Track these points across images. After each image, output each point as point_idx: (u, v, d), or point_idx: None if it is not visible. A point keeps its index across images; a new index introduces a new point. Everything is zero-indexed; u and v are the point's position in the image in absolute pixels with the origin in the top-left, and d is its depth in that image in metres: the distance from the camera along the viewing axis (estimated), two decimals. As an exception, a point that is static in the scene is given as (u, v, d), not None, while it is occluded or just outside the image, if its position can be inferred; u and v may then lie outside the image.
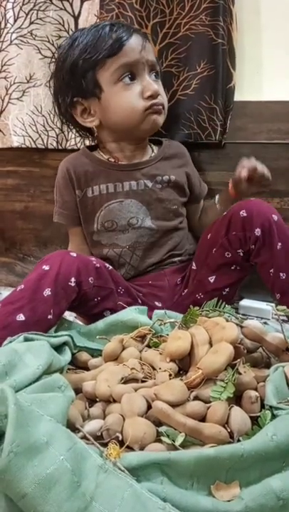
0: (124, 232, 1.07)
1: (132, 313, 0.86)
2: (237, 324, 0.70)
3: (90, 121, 1.06)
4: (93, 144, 1.18)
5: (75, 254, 0.89)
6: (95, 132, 1.11)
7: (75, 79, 1.01)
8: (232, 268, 0.98)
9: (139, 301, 1.03)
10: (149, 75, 1.03)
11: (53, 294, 0.81)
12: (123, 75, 0.99)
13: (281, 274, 0.93)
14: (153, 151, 1.13)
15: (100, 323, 0.85)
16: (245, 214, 0.93)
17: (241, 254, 0.95)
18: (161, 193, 1.08)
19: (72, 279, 0.84)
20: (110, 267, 1.00)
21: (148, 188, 1.07)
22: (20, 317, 0.79)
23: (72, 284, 0.85)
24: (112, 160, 1.09)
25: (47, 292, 0.81)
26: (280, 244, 0.92)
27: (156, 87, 1.01)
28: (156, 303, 1.04)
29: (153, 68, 1.04)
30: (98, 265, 0.93)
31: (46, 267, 0.84)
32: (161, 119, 1.05)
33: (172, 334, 0.72)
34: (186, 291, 1.06)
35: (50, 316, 0.81)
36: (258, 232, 0.91)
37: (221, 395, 0.58)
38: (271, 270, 0.93)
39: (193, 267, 1.06)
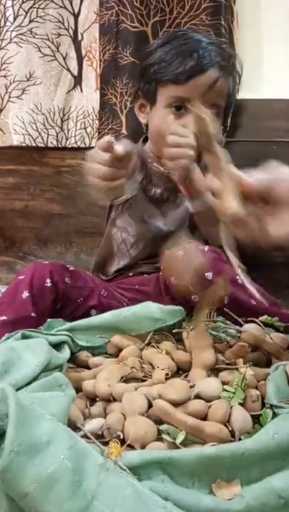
0: (136, 222, 1.11)
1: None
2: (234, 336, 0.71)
3: (142, 118, 1.12)
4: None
5: (46, 262, 0.94)
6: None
7: (142, 79, 1.07)
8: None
9: (124, 305, 1.03)
10: None
11: (30, 295, 0.85)
12: (175, 103, 1.01)
13: (241, 319, 0.88)
14: None
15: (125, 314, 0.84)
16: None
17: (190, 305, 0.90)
18: (181, 208, 1.10)
19: (48, 280, 0.88)
20: (89, 273, 1.03)
21: (169, 200, 1.10)
22: (2, 317, 0.82)
23: (48, 285, 0.88)
24: (150, 160, 1.12)
25: (25, 294, 0.85)
26: (226, 297, 0.86)
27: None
28: None
29: (211, 108, 1.01)
30: (72, 268, 0.96)
31: (21, 277, 0.89)
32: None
33: (195, 343, 0.71)
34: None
35: (33, 314, 0.84)
36: (195, 298, 0.86)
37: (231, 401, 0.59)
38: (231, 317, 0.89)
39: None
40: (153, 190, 1.11)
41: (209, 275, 0.85)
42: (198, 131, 0.64)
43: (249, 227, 0.63)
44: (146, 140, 1.16)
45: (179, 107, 1.02)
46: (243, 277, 0.68)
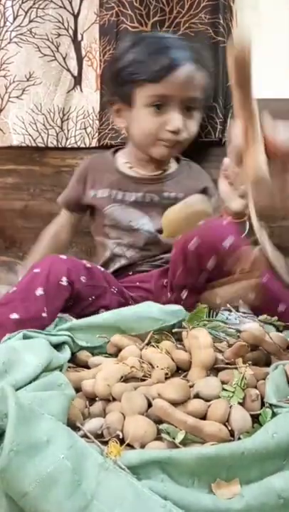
0: (128, 231, 1.12)
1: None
2: (233, 336, 0.71)
3: (119, 122, 1.14)
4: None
5: (64, 257, 0.91)
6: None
7: (117, 83, 1.07)
8: (201, 285, 0.95)
9: (131, 302, 1.03)
10: (182, 109, 1.04)
11: (45, 293, 0.83)
12: (155, 102, 1.03)
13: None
14: (170, 167, 1.16)
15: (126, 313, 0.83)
16: (193, 248, 0.89)
17: (204, 277, 0.92)
18: (165, 208, 1.10)
19: (64, 279, 0.86)
20: (102, 269, 1.02)
21: (154, 202, 1.12)
22: (14, 316, 0.80)
23: (64, 284, 0.86)
24: (129, 165, 1.14)
25: (39, 292, 0.83)
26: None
27: (178, 124, 1.03)
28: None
29: (189, 104, 1.05)
30: (89, 265, 0.95)
31: (37, 270, 0.86)
32: (172, 152, 1.10)
33: (194, 342, 0.71)
34: (170, 295, 1.04)
35: (44, 314, 0.82)
36: (210, 265, 0.88)
37: (230, 400, 0.59)
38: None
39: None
40: (133, 196, 1.12)
41: (227, 243, 0.86)
42: (235, 66, 0.51)
43: (272, 190, 0.55)
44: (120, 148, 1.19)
45: (159, 105, 1.03)
46: (264, 244, 0.61)
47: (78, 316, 0.94)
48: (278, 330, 0.79)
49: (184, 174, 1.17)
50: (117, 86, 1.08)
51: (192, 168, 1.18)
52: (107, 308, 0.94)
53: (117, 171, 1.15)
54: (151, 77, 1.00)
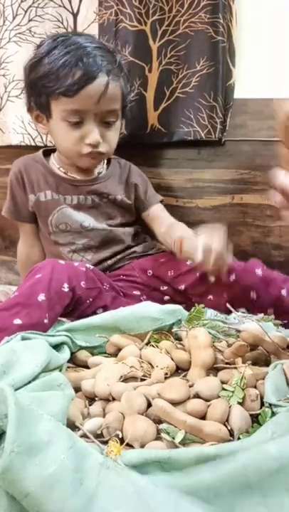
0: (80, 233, 1.11)
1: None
2: (233, 336, 0.72)
3: (41, 128, 1.11)
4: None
5: (63, 262, 0.91)
6: None
7: (33, 91, 1.04)
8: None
9: (121, 294, 1.05)
10: (99, 122, 1.02)
11: (47, 299, 0.83)
12: (71, 117, 1.00)
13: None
14: (102, 168, 1.16)
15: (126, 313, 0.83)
16: (254, 297, 0.93)
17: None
18: (108, 208, 1.13)
19: (65, 285, 0.86)
20: (92, 267, 1.01)
21: (96, 203, 1.12)
22: (17, 321, 0.80)
23: (66, 290, 0.86)
24: (63, 170, 1.13)
25: (41, 297, 0.83)
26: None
27: (97, 138, 1.02)
28: (134, 292, 1.07)
29: (106, 117, 1.03)
30: (84, 268, 0.95)
31: (38, 275, 0.86)
32: (96, 163, 1.09)
33: (193, 342, 0.71)
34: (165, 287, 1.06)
35: (45, 321, 0.82)
36: (270, 312, 0.91)
37: (230, 400, 0.59)
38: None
39: (171, 273, 1.04)
40: (75, 199, 1.11)
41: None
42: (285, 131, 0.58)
43: None
44: (51, 151, 1.17)
45: (75, 120, 1.00)
46: None
47: (77, 319, 0.94)
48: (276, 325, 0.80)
49: (118, 173, 1.16)
50: (34, 95, 1.04)
51: (122, 164, 1.18)
52: (104, 307, 0.95)
53: (53, 174, 1.12)
54: (65, 92, 0.97)
